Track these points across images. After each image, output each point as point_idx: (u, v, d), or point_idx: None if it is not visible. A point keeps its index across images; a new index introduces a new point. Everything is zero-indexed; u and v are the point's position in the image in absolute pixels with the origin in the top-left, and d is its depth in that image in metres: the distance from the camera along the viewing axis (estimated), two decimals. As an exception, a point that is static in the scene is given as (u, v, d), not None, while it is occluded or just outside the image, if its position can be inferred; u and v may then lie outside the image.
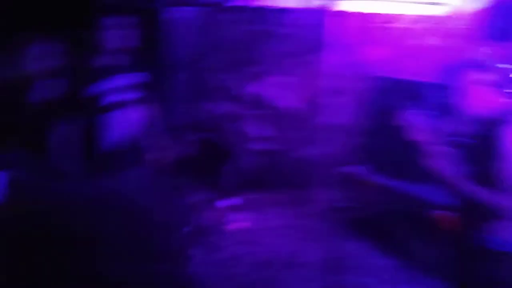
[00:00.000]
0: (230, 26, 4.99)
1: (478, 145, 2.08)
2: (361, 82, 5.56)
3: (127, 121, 3.31)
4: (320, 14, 4.77)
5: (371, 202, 4.48)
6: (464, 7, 5.86)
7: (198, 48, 5.27)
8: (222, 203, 4.74)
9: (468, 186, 1.91)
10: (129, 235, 0.75)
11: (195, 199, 4.69)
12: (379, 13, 5.68)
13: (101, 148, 3.15)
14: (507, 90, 2.07)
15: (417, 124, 2.09)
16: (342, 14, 5.28)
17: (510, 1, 4.64)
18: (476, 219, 1.91)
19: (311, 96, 5.51)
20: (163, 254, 0.77)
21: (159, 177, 3.45)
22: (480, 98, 1.98)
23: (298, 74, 5.46)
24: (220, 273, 3.76)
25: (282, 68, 5.16)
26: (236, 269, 3.81)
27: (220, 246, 4.09)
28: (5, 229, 0.73)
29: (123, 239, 0.74)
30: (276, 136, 5.10)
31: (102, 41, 3.20)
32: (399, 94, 4.13)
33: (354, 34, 5.64)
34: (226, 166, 4.90)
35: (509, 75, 3.78)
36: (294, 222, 4.56)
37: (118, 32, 3.22)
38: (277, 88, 5.16)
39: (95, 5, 3.35)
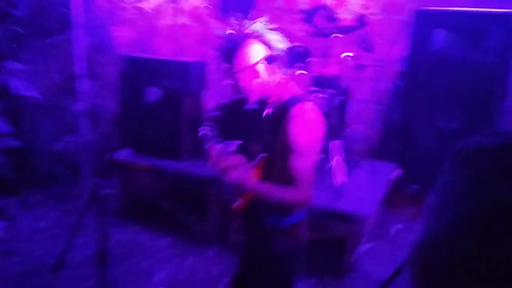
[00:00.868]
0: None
1: (267, 133, 2.03)
2: (113, 64, 5.40)
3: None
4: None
5: (140, 185, 4.44)
6: None
7: None
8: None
9: (259, 186, 1.93)
10: None
11: None
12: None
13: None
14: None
15: (213, 151, 2.02)
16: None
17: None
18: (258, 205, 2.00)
19: (61, 83, 5.11)
20: None
21: None
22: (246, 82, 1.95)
23: (44, 59, 4.99)
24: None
25: (23, 53, 4.62)
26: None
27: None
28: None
29: None
30: (23, 130, 4.58)
31: None
32: (149, 74, 4.12)
33: (102, 14, 5.40)
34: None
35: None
36: (59, 221, 4.21)
37: None
38: (19, 75, 4.61)
39: None
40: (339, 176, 3.72)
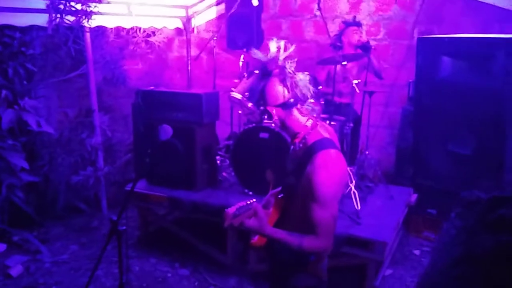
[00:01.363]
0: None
1: (290, 173, 2.04)
2: (125, 97, 5.50)
3: None
4: (77, 31, 4.52)
5: (157, 215, 4.48)
6: (202, 18, 6.33)
7: None
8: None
9: (274, 233, 1.89)
10: None
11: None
12: (137, 28, 5.69)
13: None
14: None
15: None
16: (100, 30, 5.12)
17: (239, 12, 5.16)
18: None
19: (75, 117, 5.20)
20: None
21: None
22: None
23: (57, 94, 5.09)
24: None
25: (37, 90, 4.72)
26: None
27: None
28: None
29: None
30: (41, 165, 4.66)
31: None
32: (162, 106, 4.19)
33: (114, 50, 5.53)
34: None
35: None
36: (79, 253, 4.24)
37: None
38: (33, 112, 4.70)
39: None
40: (354, 203, 3.76)
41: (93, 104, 4.91)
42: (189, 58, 6.37)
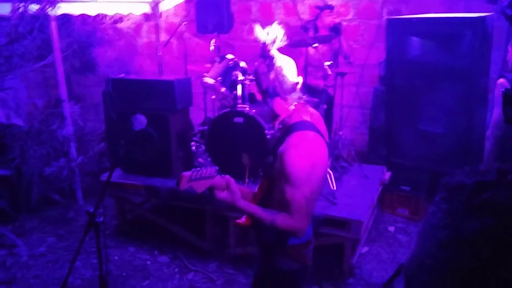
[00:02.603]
0: None
1: (269, 154, 2.06)
2: (96, 85, 5.41)
3: None
4: (42, 19, 4.39)
5: (134, 204, 4.46)
6: (170, 2, 6.22)
7: None
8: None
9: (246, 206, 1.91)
10: None
11: None
12: (103, 14, 5.57)
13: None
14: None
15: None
16: (66, 17, 4.99)
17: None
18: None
19: (47, 106, 5.10)
20: None
21: None
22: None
23: (26, 85, 4.97)
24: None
25: (3, 82, 4.60)
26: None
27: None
28: None
29: None
30: (14, 157, 4.56)
31: None
32: (133, 94, 4.13)
33: (82, 37, 5.41)
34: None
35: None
36: (55, 245, 4.20)
37: None
38: (4, 103, 4.59)
39: None
40: (330, 183, 3.82)
41: (62, 94, 4.81)
42: (158, 43, 6.28)
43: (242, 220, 2.06)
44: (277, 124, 2.06)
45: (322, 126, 2.08)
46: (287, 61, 2.00)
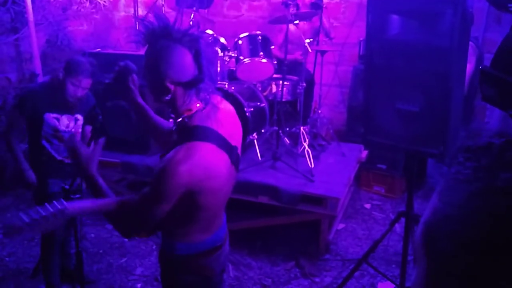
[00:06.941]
0: None
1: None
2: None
3: None
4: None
5: (110, 181, 4.42)
6: None
7: None
8: None
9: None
10: None
11: None
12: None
13: None
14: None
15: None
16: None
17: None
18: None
19: (20, 81, 4.97)
20: None
21: None
22: None
23: (1, 58, 4.83)
24: None
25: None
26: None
27: None
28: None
29: None
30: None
31: None
32: (110, 69, 4.05)
33: (57, 10, 5.26)
34: None
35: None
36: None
37: None
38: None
39: None
40: (308, 161, 3.84)
41: (36, 68, 4.69)
42: (136, 17, 6.15)
43: None
44: (176, 122, 1.69)
45: (230, 128, 1.72)
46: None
